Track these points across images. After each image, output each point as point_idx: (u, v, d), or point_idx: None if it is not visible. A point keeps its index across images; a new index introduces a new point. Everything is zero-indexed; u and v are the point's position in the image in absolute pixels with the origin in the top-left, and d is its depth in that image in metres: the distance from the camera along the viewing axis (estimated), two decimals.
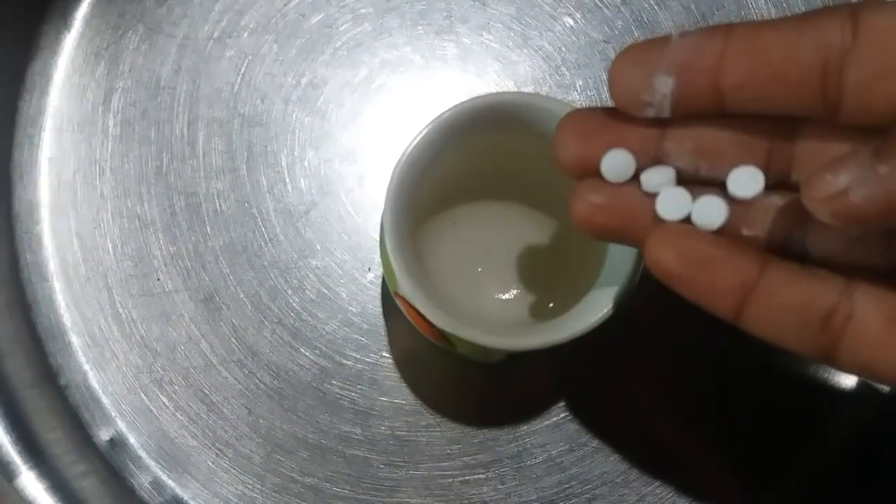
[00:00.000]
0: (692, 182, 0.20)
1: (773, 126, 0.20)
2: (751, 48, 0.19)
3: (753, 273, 0.19)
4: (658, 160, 0.20)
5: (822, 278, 0.19)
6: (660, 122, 0.20)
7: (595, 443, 0.30)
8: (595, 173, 0.20)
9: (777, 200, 0.20)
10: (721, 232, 0.20)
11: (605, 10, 0.33)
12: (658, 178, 0.20)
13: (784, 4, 0.33)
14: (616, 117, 0.20)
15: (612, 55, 0.33)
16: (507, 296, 0.28)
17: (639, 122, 0.20)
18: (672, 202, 0.20)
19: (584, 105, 0.31)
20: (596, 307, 0.23)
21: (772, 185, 0.20)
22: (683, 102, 0.19)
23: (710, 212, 0.20)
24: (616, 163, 0.20)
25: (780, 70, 0.18)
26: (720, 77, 0.19)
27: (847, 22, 0.18)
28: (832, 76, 0.18)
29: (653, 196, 0.20)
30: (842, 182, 0.17)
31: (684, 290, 0.20)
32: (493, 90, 0.32)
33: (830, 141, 0.20)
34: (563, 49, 0.33)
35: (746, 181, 0.20)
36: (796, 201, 0.20)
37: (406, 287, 0.23)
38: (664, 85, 0.19)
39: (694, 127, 0.20)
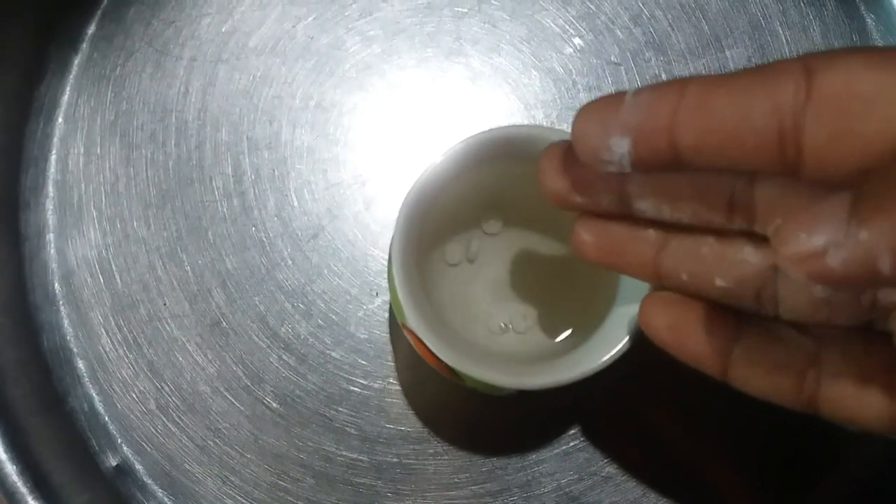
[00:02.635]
0: (658, 224, 0.21)
1: (734, 174, 0.20)
2: (703, 109, 0.18)
3: (729, 341, 0.21)
4: (624, 202, 0.21)
5: (792, 341, 0.20)
6: None
7: (605, 472, 0.30)
8: (571, 206, 0.22)
9: (748, 250, 0.21)
10: (702, 297, 0.21)
11: (617, 31, 0.33)
12: None
13: (798, 26, 0.33)
14: None
15: (625, 77, 0.32)
16: (518, 325, 0.28)
17: None
18: None
19: None
20: (608, 343, 0.23)
21: (738, 233, 0.21)
22: (642, 161, 0.19)
23: None
24: None
25: (734, 133, 0.18)
26: (675, 136, 0.18)
27: (800, 78, 0.17)
28: (789, 138, 0.17)
29: (643, 229, 0.22)
30: (817, 243, 0.16)
31: (675, 355, 0.22)
32: (503, 112, 0.32)
33: (792, 189, 0.19)
34: (574, 71, 0.33)
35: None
36: (766, 256, 0.20)
37: (414, 323, 0.23)
38: (620, 146, 0.19)
39: (654, 175, 0.20)
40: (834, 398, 0.20)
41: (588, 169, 0.21)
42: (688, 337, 0.21)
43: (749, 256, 0.21)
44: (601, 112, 0.19)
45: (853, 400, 0.20)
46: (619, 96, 0.19)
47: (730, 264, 0.21)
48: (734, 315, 0.21)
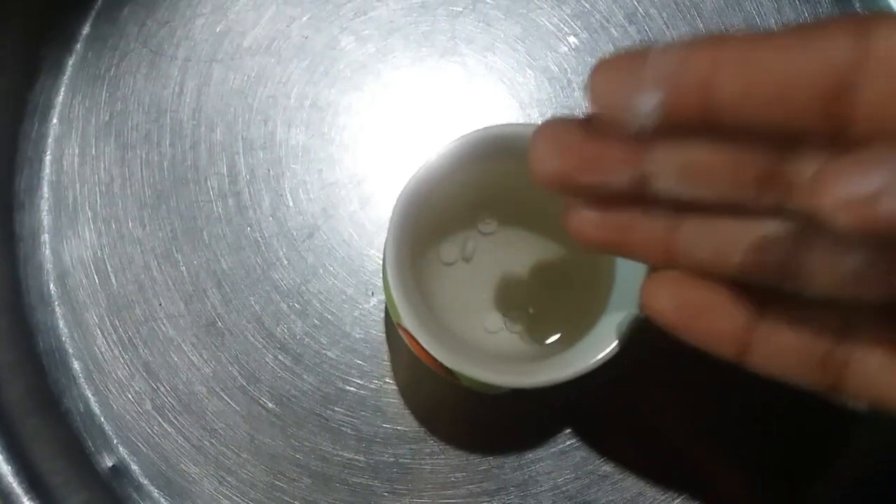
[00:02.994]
0: (675, 205, 0.19)
1: (766, 144, 0.18)
2: (745, 66, 0.16)
3: (750, 319, 0.19)
4: (640, 180, 0.19)
5: (819, 319, 0.19)
6: (642, 139, 0.18)
7: (602, 470, 0.30)
8: (574, 188, 0.19)
9: (772, 228, 0.19)
10: (715, 276, 0.20)
11: (611, 29, 0.33)
12: None
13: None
14: (594, 131, 0.19)
15: None
16: (513, 325, 0.28)
17: (619, 138, 0.18)
18: None
19: None
20: (602, 342, 0.23)
21: (764, 212, 0.19)
22: (670, 120, 0.17)
23: None
24: None
25: (780, 91, 0.16)
26: (713, 92, 0.17)
27: (858, 37, 0.16)
28: (840, 97, 0.16)
29: (644, 210, 0.19)
30: (868, 187, 0.14)
31: (684, 336, 0.20)
32: (498, 111, 0.32)
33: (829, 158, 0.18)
34: (569, 69, 0.32)
35: None
36: (789, 233, 0.19)
37: (409, 322, 0.23)
38: (647, 103, 0.17)
39: (680, 145, 0.18)
40: (862, 378, 0.19)
41: (597, 144, 0.19)
42: (702, 317, 0.20)
43: (773, 226, 0.19)
44: (624, 66, 0.17)
45: (884, 379, 0.18)
46: (642, 51, 0.17)
47: (752, 236, 0.19)
48: (754, 292, 0.20)
